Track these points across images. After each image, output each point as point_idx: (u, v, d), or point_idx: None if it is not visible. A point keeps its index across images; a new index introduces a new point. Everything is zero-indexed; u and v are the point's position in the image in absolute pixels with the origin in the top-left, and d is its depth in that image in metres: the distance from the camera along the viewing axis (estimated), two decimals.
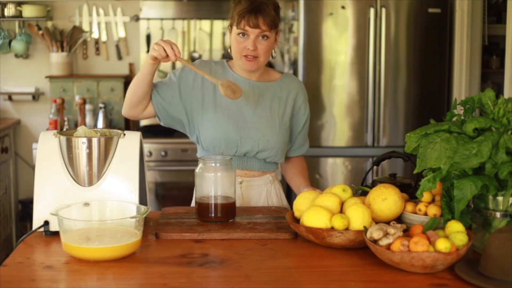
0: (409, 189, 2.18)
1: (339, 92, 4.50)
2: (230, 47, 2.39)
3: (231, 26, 2.34)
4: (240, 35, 2.30)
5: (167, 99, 2.37)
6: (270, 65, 5.18)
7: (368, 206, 1.93)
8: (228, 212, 2.10)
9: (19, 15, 4.90)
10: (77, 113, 4.81)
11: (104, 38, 5.15)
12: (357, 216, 1.85)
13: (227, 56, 2.52)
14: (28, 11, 4.86)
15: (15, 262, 1.75)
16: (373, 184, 2.21)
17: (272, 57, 2.43)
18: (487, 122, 1.77)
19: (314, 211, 1.88)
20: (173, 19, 5.16)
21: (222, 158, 2.14)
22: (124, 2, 5.11)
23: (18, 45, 4.91)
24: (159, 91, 2.37)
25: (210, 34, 5.22)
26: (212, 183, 2.10)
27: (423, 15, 4.50)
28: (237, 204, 2.32)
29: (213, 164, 2.11)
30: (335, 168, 4.58)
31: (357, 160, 4.56)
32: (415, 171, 1.84)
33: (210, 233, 1.97)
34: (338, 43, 4.47)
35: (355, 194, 2.06)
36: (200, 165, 2.12)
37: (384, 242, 1.70)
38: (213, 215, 2.09)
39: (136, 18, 5.14)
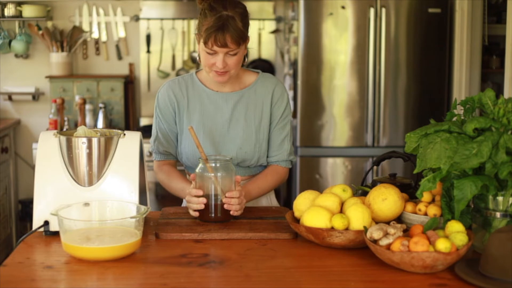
0: (409, 189, 2.18)
1: (339, 92, 4.50)
2: (199, 56, 2.29)
3: (198, 37, 2.23)
4: (209, 52, 2.20)
5: (173, 142, 2.41)
6: (270, 66, 5.20)
7: (368, 206, 1.93)
8: (228, 212, 2.10)
9: (19, 15, 4.90)
10: (77, 113, 4.81)
11: (104, 38, 5.15)
12: (357, 216, 1.85)
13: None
14: (28, 11, 4.86)
15: (15, 262, 1.75)
16: (373, 184, 2.21)
17: (243, 64, 2.33)
18: (487, 122, 1.77)
19: (314, 211, 1.88)
20: (173, 19, 5.16)
21: (222, 158, 2.14)
22: (124, 2, 5.11)
23: (18, 45, 4.91)
24: (167, 147, 2.40)
25: None
26: (212, 183, 2.10)
27: (423, 15, 4.50)
28: None
29: (213, 164, 2.11)
30: (335, 168, 4.58)
31: (357, 160, 4.56)
32: (415, 171, 1.84)
33: (210, 233, 1.97)
34: (338, 43, 4.47)
35: (355, 194, 2.07)
36: (200, 165, 2.12)
37: (384, 242, 1.70)
38: (213, 215, 2.09)
39: (136, 18, 5.14)
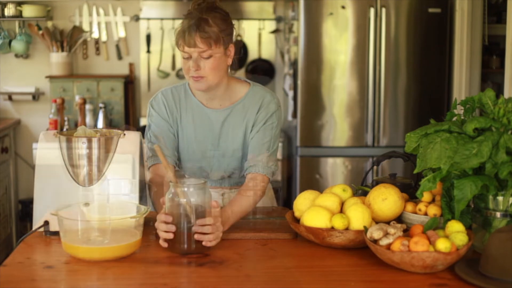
0: (409, 189, 2.18)
1: (339, 92, 4.50)
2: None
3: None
4: (184, 55, 2.16)
5: (170, 140, 2.31)
6: (270, 66, 5.20)
7: (368, 206, 1.93)
8: (201, 243, 1.85)
9: (19, 15, 4.90)
10: (77, 113, 4.81)
11: (104, 38, 5.15)
12: (357, 216, 1.85)
13: None
14: (28, 11, 4.86)
15: (15, 262, 1.76)
16: (373, 184, 2.21)
17: (229, 71, 2.27)
18: (487, 122, 1.77)
19: (314, 211, 1.88)
20: (173, 19, 5.16)
21: (196, 182, 1.89)
22: (124, 2, 5.11)
23: (18, 45, 4.91)
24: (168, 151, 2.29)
25: None
26: (184, 210, 1.84)
27: (423, 15, 4.50)
28: None
29: (186, 189, 1.85)
30: (335, 168, 4.58)
31: (357, 160, 4.56)
32: (415, 171, 1.84)
33: None
34: (338, 43, 4.47)
35: (355, 194, 2.07)
36: (171, 189, 1.87)
37: (384, 242, 1.70)
38: (185, 246, 1.84)
39: (136, 18, 5.14)
